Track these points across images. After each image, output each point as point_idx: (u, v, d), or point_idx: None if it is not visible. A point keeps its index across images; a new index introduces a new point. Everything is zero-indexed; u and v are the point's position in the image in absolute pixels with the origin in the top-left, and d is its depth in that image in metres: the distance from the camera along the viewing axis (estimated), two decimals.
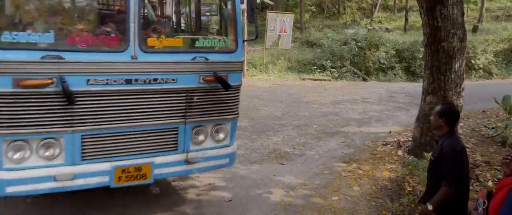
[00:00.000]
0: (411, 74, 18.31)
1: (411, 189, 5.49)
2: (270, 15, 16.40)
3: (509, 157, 2.56)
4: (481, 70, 18.32)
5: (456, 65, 6.45)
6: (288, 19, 16.53)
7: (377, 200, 5.40)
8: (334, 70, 17.58)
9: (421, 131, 6.79)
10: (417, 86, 14.77)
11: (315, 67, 17.89)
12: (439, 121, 3.50)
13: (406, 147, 7.32)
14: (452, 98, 6.53)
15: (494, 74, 18.43)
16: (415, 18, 28.45)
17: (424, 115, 6.76)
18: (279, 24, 16.21)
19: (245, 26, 13.02)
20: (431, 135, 6.68)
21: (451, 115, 3.51)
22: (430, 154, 5.80)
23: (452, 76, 6.48)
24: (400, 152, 7.18)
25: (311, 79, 16.25)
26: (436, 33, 6.38)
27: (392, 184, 5.87)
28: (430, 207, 3.36)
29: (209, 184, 5.73)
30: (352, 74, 17.79)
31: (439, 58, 6.46)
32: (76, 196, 4.81)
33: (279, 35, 16.46)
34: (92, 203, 4.91)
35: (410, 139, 7.68)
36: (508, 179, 2.49)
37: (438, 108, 3.58)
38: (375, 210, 5.14)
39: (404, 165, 6.57)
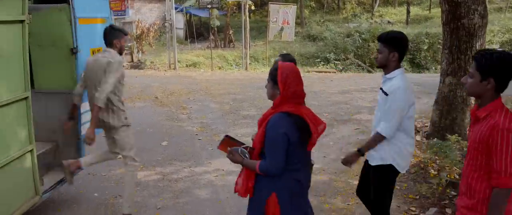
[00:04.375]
0: (416, 66, 18.04)
1: (436, 173, 5.18)
2: (272, 7, 16.10)
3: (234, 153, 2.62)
4: None
5: (477, 44, 6.15)
6: (290, 10, 16.25)
7: (401, 184, 5.10)
8: (338, 62, 17.32)
9: (441, 114, 6.50)
10: (424, 77, 14.54)
11: (318, 60, 17.62)
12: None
13: (424, 132, 7.02)
14: None
15: None
16: (417, 11, 28.31)
17: (443, 97, 6.46)
18: (282, 16, 15.92)
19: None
20: (451, 118, 6.40)
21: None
22: (453, 136, 5.54)
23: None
24: (418, 137, 6.87)
25: (316, 71, 15.97)
26: (456, 10, 6.08)
27: (414, 168, 5.56)
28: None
29: (222, 169, 5.42)
30: (357, 67, 17.52)
31: (459, 36, 6.16)
32: None
33: (282, 27, 16.17)
34: None
35: (426, 124, 7.39)
36: (263, 117, 2.54)
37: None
38: (401, 194, 4.85)
39: (423, 150, 6.28)
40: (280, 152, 2.45)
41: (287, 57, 3.41)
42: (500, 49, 2.27)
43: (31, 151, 3.37)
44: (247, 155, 2.59)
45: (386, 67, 3.13)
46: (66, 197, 4.66)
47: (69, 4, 3.94)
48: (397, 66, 3.12)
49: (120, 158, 5.80)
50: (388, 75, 3.13)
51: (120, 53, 4.02)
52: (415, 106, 3.18)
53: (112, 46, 3.97)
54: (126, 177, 4.15)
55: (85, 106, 4.30)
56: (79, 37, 4.07)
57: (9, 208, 3.14)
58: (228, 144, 2.65)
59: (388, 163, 3.14)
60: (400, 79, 3.06)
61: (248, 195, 2.66)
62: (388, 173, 3.18)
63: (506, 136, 2.13)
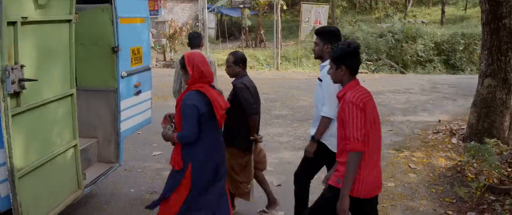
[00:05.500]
0: (451, 67, 17.58)
1: (474, 176, 5.05)
2: (304, 6, 16.04)
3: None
4: None
5: None
6: (322, 10, 16.15)
7: (437, 187, 5.00)
8: (371, 63, 17.08)
9: (478, 116, 6.32)
10: (460, 78, 14.15)
11: None
12: (237, 68, 3.85)
13: (461, 134, 6.85)
14: None
15: None
16: (452, 11, 27.55)
17: (481, 99, 6.29)
18: (314, 15, 15.84)
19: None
20: (489, 121, 6.22)
21: (243, 59, 3.88)
22: (492, 140, 5.38)
23: None
24: (454, 140, 6.72)
25: None
26: (497, 9, 5.91)
27: (451, 171, 5.44)
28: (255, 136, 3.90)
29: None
30: (389, 68, 17.22)
31: (500, 37, 5.98)
32: None
33: (314, 27, 16.08)
34: None
35: (462, 127, 7.21)
36: (179, 97, 3.10)
37: (230, 58, 3.87)
38: (437, 197, 4.75)
39: (459, 153, 6.13)
40: (192, 120, 2.97)
41: (238, 54, 3.95)
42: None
43: (75, 146, 3.48)
44: (171, 130, 3.18)
45: (322, 58, 3.54)
46: (105, 192, 4.81)
47: (111, 4, 4.04)
48: None
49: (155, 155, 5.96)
50: (323, 64, 3.53)
51: None
52: None
53: (199, 48, 4.95)
54: None
55: (124, 104, 4.40)
56: (120, 36, 4.16)
57: (55, 200, 3.25)
58: (167, 121, 3.25)
59: (319, 141, 3.49)
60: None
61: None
62: (319, 149, 3.50)
63: (351, 107, 2.59)
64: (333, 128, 3.33)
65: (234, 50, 19.06)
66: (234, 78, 3.92)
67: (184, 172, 3.08)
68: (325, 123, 3.40)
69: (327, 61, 3.38)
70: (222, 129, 3.30)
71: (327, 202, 2.77)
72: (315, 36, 3.59)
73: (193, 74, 3.01)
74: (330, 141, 3.40)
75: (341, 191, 2.62)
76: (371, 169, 2.71)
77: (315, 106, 3.61)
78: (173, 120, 3.22)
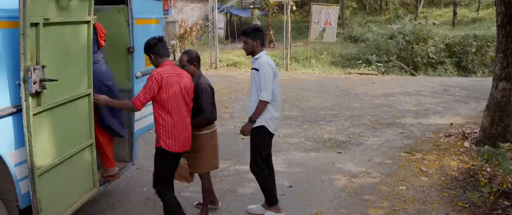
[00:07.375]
0: (462, 69, 17.42)
1: (487, 181, 5.01)
2: (314, 7, 16.02)
3: None
4: None
5: None
6: (333, 11, 16.10)
7: (449, 191, 4.97)
8: (380, 64, 16.99)
9: (492, 120, 6.27)
10: (472, 81, 14.02)
11: (360, 61, 17.36)
12: (192, 67, 3.89)
13: (473, 138, 6.80)
14: None
15: None
16: (464, 12, 27.31)
17: (495, 103, 6.23)
18: (324, 16, 15.80)
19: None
20: (503, 125, 6.16)
21: (197, 58, 3.95)
22: (506, 144, 5.33)
23: None
24: (466, 143, 6.67)
25: (357, 73, 15.75)
26: None
27: (463, 175, 5.40)
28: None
29: None
30: (399, 69, 17.13)
31: None
32: None
33: (324, 28, 16.05)
34: None
35: (475, 130, 7.15)
36: None
37: (184, 57, 3.91)
38: (449, 201, 4.72)
39: (472, 157, 6.09)
40: None
41: (191, 52, 3.99)
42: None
43: (91, 145, 3.55)
44: None
45: (253, 53, 4.02)
46: (118, 190, 4.86)
47: (127, 5, 4.09)
48: (261, 50, 4.03)
49: None
50: (255, 57, 4.01)
51: None
52: (278, 79, 4.06)
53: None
54: None
55: None
56: (136, 37, 4.22)
57: (72, 198, 3.31)
58: None
59: (261, 124, 4.00)
60: (264, 58, 3.99)
61: None
62: (262, 132, 4.03)
63: (149, 78, 3.44)
64: (271, 112, 3.99)
65: (242, 50, 19.14)
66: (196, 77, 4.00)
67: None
68: (262, 105, 3.92)
69: (259, 54, 4.00)
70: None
71: (156, 158, 3.65)
72: (244, 36, 4.04)
73: None
74: (268, 123, 4.00)
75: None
76: (182, 131, 3.56)
77: (252, 94, 4.03)
78: None
